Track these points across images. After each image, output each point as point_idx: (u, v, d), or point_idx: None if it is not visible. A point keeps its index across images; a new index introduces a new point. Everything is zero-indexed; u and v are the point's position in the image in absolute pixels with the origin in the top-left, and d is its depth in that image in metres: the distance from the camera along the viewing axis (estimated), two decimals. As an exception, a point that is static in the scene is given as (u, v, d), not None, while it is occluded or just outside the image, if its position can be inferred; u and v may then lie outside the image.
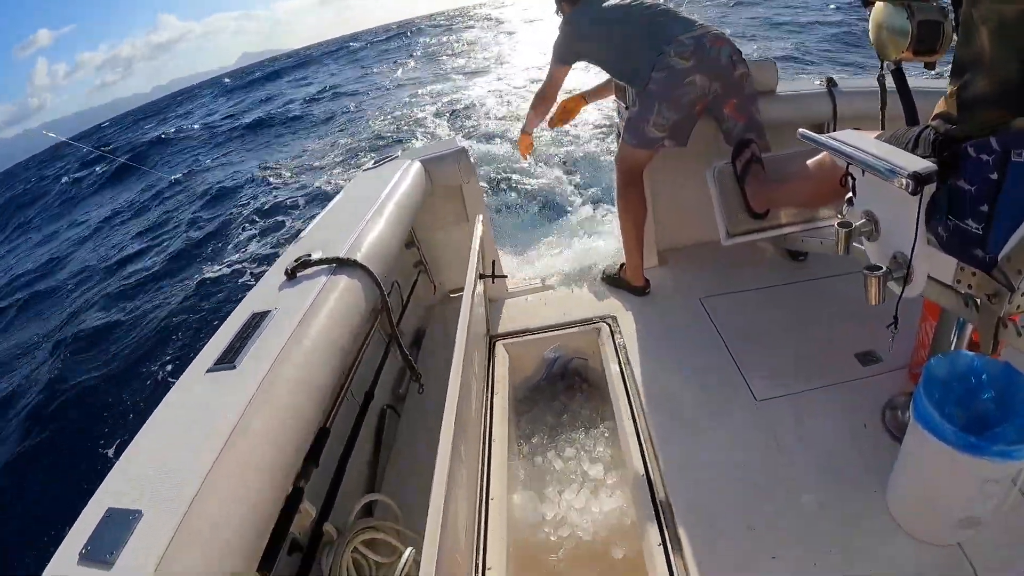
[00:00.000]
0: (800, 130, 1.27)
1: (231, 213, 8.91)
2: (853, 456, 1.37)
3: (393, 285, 1.51)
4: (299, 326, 1.12)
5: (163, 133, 21.59)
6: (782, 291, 2.05)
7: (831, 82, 2.14)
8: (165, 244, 8.71)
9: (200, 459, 0.82)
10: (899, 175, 0.95)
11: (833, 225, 1.33)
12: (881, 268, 1.05)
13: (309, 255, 1.37)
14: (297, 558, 1.10)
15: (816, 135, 1.20)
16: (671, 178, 2.24)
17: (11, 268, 10.88)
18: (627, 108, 2.08)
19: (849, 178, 1.10)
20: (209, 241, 8.13)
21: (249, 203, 9.10)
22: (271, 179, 10.11)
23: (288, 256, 1.46)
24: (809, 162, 1.57)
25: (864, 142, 1.10)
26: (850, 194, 1.19)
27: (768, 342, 1.80)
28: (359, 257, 1.38)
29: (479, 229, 1.82)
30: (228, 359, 1.05)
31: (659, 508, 1.32)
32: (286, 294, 1.27)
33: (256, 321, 1.17)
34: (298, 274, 1.33)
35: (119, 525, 0.74)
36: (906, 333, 1.43)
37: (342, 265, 1.34)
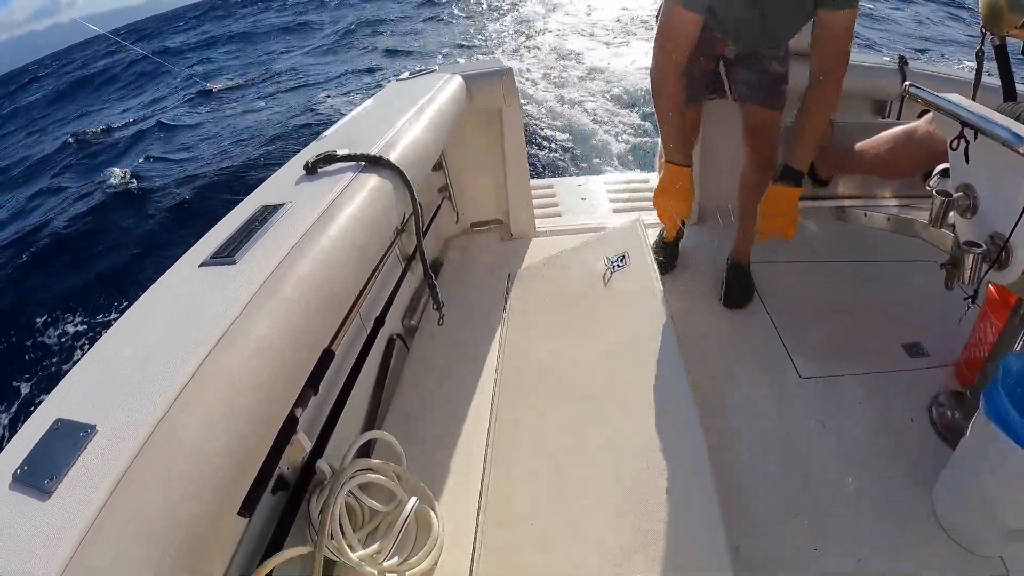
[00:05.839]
0: (910, 85, 1.11)
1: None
2: (898, 450, 1.32)
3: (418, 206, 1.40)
4: (316, 224, 0.98)
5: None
6: (830, 268, 1.95)
7: (903, 60, 2.00)
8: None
9: (178, 368, 0.67)
10: None
11: (909, 200, 1.21)
12: (981, 246, 0.94)
13: (334, 151, 1.21)
14: (283, 497, 0.96)
15: (931, 92, 1.07)
16: (720, 131, 2.05)
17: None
18: None
19: (962, 140, 0.98)
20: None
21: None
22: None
23: (308, 151, 1.30)
24: (895, 130, 1.47)
25: (976, 107, 0.97)
26: (946, 165, 1.08)
27: (813, 318, 1.72)
28: (393, 157, 1.23)
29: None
30: (228, 253, 0.91)
31: None
32: (304, 188, 1.12)
33: (265, 215, 1.02)
34: (319, 169, 1.18)
35: (66, 442, 0.60)
36: (955, 330, 1.40)
37: (373, 163, 1.19)
